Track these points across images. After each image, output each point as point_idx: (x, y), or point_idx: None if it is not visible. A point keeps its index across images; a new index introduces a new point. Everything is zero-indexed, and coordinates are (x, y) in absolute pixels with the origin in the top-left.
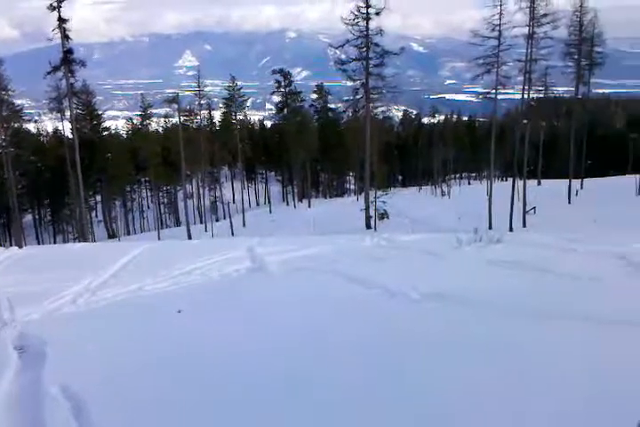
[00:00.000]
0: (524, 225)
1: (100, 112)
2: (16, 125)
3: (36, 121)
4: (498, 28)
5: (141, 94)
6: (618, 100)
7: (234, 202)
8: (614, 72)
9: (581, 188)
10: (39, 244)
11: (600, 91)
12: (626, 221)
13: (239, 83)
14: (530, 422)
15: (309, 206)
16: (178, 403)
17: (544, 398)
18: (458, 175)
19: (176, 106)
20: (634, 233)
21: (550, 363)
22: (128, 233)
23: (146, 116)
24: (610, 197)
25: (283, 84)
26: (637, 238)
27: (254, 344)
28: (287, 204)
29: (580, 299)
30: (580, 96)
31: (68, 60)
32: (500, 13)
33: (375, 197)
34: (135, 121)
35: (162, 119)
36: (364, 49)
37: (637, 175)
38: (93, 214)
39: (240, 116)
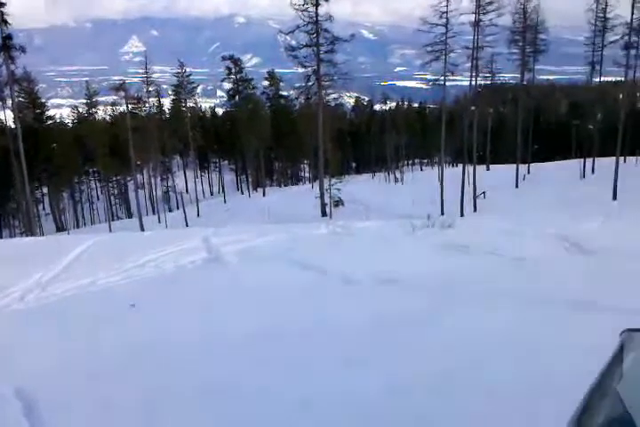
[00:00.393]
0: (475, 209)
1: (43, 100)
2: None
3: None
4: (445, 15)
5: (86, 81)
6: (562, 87)
7: (187, 192)
8: (557, 59)
9: (528, 172)
10: None
11: (544, 77)
12: (570, 203)
13: (188, 69)
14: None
15: (264, 195)
16: (130, 403)
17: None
18: (410, 162)
19: (123, 93)
20: (577, 215)
21: (500, 343)
22: (77, 226)
23: (91, 105)
24: (555, 180)
25: (233, 70)
26: (580, 220)
27: (209, 341)
28: (242, 193)
29: (527, 280)
30: (525, 82)
31: (7, 46)
32: (448, 0)
33: (330, 185)
34: (81, 109)
35: (109, 107)
36: (315, 35)
37: (581, 160)
38: (40, 207)
39: (190, 104)
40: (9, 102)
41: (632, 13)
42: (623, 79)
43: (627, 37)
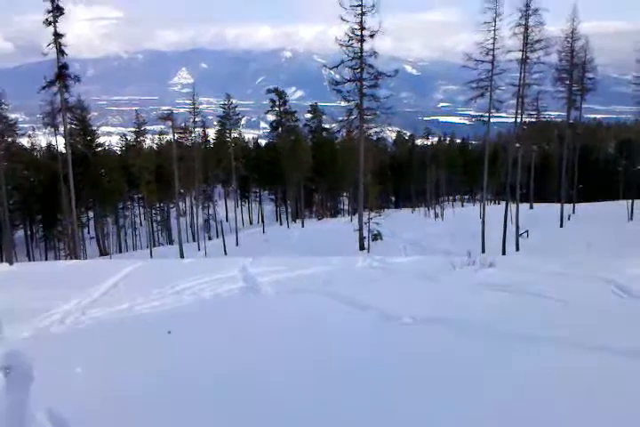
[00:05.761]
0: (517, 248)
1: (94, 128)
2: (10, 139)
3: (29, 135)
4: (492, 52)
5: (136, 110)
6: (608, 126)
7: (227, 220)
8: (603, 98)
9: (573, 212)
10: (30, 260)
11: (591, 116)
12: (618, 246)
13: (234, 101)
14: None
15: (303, 226)
16: None
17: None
18: (451, 197)
19: (170, 123)
20: (625, 259)
21: (543, 389)
22: (120, 251)
23: (140, 133)
24: (602, 222)
25: (277, 103)
26: (629, 264)
27: (247, 371)
28: (280, 223)
29: (567, 324)
30: (571, 121)
31: (62, 75)
32: (494, 38)
33: (369, 218)
34: (129, 137)
35: (156, 136)
36: (359, 70)
37: (629, 201)
38: (85, 231)
39: (234, 134)
40: (61, 129)
41: None
42: None
43: None
